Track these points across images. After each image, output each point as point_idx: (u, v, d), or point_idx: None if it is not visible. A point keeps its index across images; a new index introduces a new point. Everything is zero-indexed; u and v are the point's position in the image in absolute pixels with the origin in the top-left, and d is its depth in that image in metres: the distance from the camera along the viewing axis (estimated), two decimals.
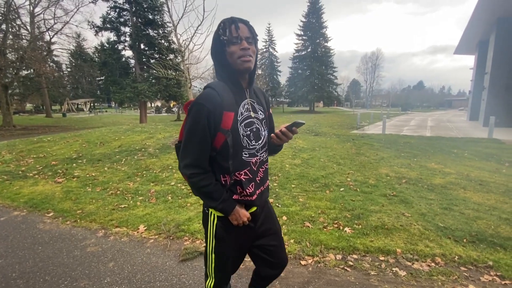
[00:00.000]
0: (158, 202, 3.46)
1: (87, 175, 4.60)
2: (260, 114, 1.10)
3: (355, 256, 2.20)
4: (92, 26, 18.30)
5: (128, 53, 20.23)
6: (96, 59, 26.04)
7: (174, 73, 10.27)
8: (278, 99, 54.87)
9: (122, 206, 3.32)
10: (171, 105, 43.24)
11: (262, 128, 1.09)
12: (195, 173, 0.98)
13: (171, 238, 2.53)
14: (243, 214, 1.04)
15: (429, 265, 2.07)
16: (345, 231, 2.58)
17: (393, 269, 2.03)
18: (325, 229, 2.63)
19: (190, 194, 3.72)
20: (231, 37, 0.96)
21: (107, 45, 21.42)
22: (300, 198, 3.43)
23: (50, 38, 19.20)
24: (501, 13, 13.58)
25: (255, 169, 1.06)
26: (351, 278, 1.94)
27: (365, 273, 1.99)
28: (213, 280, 1.19)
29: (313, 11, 38.09)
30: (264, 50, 50.61)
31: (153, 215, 3.02)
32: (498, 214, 2.91)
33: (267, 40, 50.63)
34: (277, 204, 3.24)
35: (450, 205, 3.15)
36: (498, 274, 1.98)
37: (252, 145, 1.04)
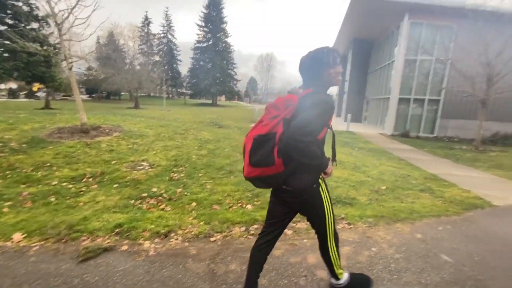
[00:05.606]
0: (36, 205, 2.88)
1: None
2: None
3: (255, 226, 2.64)
4: None
5: None
6: None
7: (40, 48, 8.25)
8: (179, 90, 52.43)
9: None
10: (34, 89, 33.89)
11: None
12: (312, 141, 1.24)
13: (63, 241, 2.23)
14: (331, 168, 1.46)
15: (306, 223, 2.75)
16: (247, 208, 3.01)
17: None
18: (231, 209, 2.97)
19: (82, 193, 3.29)
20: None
21: None
22: (207, 185, 3.66)
23: None
24: (355, 35, 17.94)
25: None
26: (252, 243, 2.34)
27: None
28: (333, 232, 1.58)
29: (214, 4, 38.23)
30: (162, 35, 46.96)
31: (32, 221, 2.52)
32: (348, 183, 4.09)
33: (165, 25, 47.17)
34: (185, 193, 3.35)
35: None
36: (347, 222, 2.86)
37: None
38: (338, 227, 2.74)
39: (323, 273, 1.97)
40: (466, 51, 9.12)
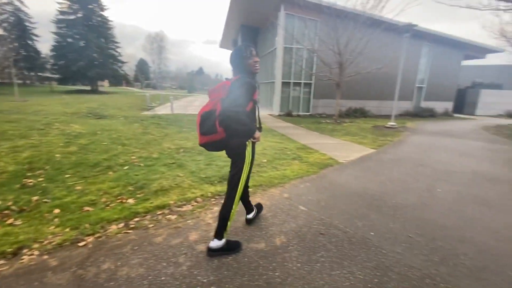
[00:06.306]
0: None
1: None
2: None
3: (136, 219, 2.51)
4: None
5: None
6: None
7: None
8: (40, 74, 41.08)
9: None
10: None
11: None
12: (241, 112, 1.72)
13: None
14: (258, 134, 1.90)
15: (192, 205, 2.85)
16: (128, 202, 2.82)
17: (167, 216, 2.59)
18: (107, 207, 2.70)
19: None
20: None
21: None
22: (77, 186, 3.15)
23: None
24: (242, 21, 18.73)
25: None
26: (131, 237, 2.24)
27: (144, 228, 2.37)
28: (240, 191, 1.98)
29: None
30: (5, 1, 34.69)
31: None
32: None
33: None
34: (45, 200, 2.78)
35: (211, 161, 4.33)
36: None
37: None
38: (222, 201, 2.97)
39: (203, 246, 2.13)
40: (325, 42, 11.20)
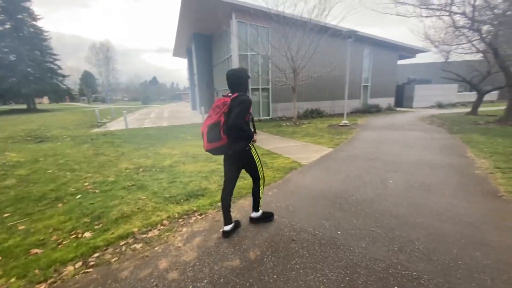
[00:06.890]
0: None
1: None
2: None
3: (96, 255, 2.29)
4: None
5: None
6: None
7: None
8: None
9: None
10: None
11: None
12: (243, 122, 2.24)
13: None
14: (255, 136, 2.49)
15: (159, 229, 2.70)
16: (85, 236, 2.55)
17: (132, 246, 2.41)
18: (60, 246, 2.41)
19: None
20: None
21: None
22: (20, 225, 2.76)
23: None
24: (195, 30, 18.47)
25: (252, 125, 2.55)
26: (93, 276, 2.03)
27: (106, 264, 2.17)
28: (263, 177, 2.61)
29: None
30: None
31: None
32: (201, 175, 4.33)
33: None
34: None
35: (174, 178, 4.16)
36: (199, 213, 3.05)
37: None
38: (191, 221, 2.89)
39: (175, 273, 2.03)
40: (277, 49, 11.63)
